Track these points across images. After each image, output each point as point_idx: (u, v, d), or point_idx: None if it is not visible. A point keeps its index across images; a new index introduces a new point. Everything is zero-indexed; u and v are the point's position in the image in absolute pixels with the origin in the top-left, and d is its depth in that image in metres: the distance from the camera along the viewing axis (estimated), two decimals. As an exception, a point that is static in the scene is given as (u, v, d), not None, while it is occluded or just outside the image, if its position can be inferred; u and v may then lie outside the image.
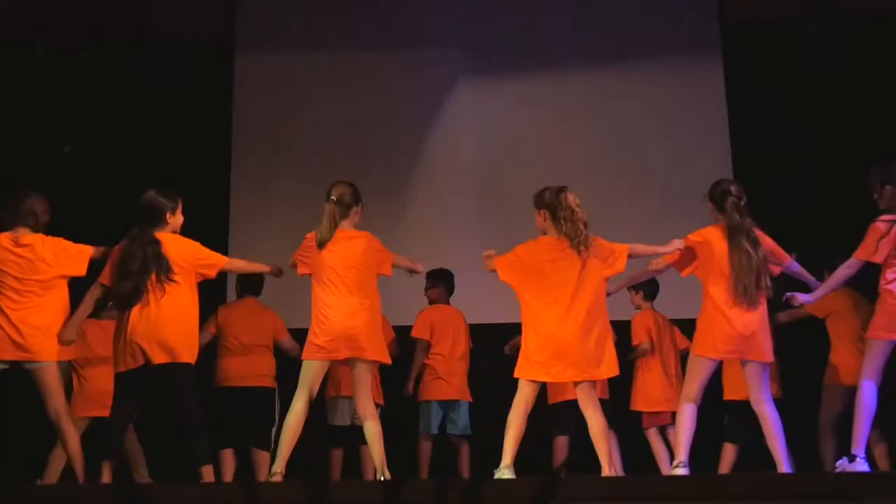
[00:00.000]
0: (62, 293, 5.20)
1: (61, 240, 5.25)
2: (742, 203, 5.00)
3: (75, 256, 5.22)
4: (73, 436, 5.16)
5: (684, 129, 7.84)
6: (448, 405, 6.63)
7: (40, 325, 5.08)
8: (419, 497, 1.70)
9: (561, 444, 6.47)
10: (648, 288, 6.69)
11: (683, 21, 8.05)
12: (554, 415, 6.39)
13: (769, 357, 4.98)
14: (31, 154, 7.67)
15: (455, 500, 1.52)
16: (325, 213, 5.18)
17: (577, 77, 8.01)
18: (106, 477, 5.01)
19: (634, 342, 6.63)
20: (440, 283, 6.82)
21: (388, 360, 5.32)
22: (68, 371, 6.05)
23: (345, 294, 5.10)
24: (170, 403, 5.05)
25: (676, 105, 7.89)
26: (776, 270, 5.10)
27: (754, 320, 4.90)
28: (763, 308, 4.95)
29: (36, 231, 5.21)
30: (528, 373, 4.96)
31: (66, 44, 7.89)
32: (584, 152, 7.81)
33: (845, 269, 5.06)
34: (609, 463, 4.89)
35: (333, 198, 5.19)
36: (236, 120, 8.06)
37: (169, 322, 5.02)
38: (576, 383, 4.99)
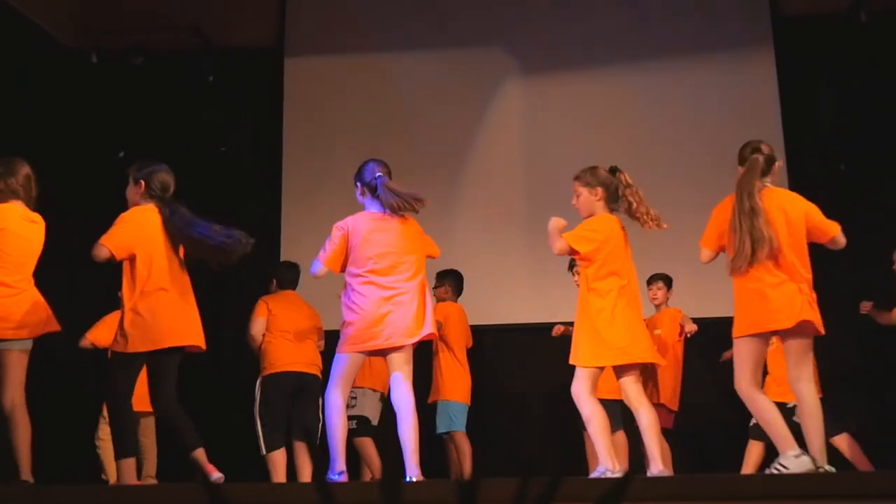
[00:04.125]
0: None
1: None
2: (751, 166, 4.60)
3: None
4: (25, 429, 4.57)
5: (736, 124, 7.73)
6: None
7: None
8: (490, 496, 1.69)
9: (620, 440, 6.27)
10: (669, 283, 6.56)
11: (735, 15, 7.97)
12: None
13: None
14: (86, 159, 7.77)
15: (531, 500, 1.51)
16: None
17: (627, 75, 7.97)
18: (130, 477, 4.56)
19: (682, 333, 6.45)
20: (447, 281, 6.71)
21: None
22: None
23: None
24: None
25: (728, 100, 7.81)
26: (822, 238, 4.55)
27: None
28: None
29: (28, 205, 4.81)
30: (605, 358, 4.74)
31: (118, 51, 7.99)
32: (635, 150, 7.74)
33: None
34: (661, 458, 4.74)
35: None
36: (287, 122, 8.13)
37: (186, 304, 4.72)
38: (621, 376, 4.81)
